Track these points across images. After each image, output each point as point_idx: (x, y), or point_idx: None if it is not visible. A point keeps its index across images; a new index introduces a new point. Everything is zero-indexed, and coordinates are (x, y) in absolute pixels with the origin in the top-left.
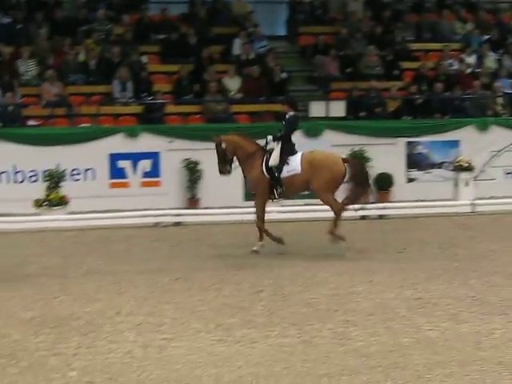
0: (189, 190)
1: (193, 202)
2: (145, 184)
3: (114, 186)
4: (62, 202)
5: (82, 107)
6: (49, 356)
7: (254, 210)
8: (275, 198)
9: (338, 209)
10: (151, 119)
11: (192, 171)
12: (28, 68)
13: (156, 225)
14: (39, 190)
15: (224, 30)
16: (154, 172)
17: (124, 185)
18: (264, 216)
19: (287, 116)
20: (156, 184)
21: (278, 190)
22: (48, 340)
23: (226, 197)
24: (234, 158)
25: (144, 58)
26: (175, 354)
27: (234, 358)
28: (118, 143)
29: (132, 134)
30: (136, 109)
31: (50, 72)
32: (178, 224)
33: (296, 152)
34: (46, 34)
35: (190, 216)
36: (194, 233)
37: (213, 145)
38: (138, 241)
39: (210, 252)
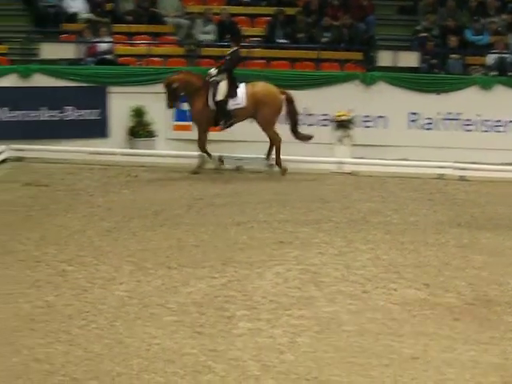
0: None
1: None
2: None
3: None
4: None
5: None
6: None
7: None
8: (223, 128)
9: (278, 141)
10: None
11: None
12: None
13: None
14: None
15: None
16: None
17: None
18: (206, 140)
19: (230, 50)
20: None
21: (227, 122)
22: None
23: None
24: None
25: None
26: None
27: None
28: None
29: None
30: None
31: None
32: None
33: (238, 85)
34: None
35: None
36: None
37: None
38: None
39: None
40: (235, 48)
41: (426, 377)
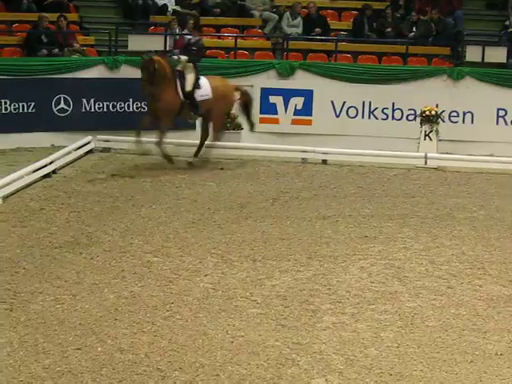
0: None
1: None
2: None
3: None
4: None
5: None
6: None
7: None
8: (191, 119)
9: (220, 136)
10: None
11: None
12: None
13: None
14: None
15: None
16: None
17: None
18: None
19: (193, 40)
20: None
21: (196, 112)
22: None
23: None
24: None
25: None
26: None
27: None
28: None
29: None
30: None
31: None
32: None
33: (200, 77)
34: None
35: None
36: None
37: None
38: None
39: None
40: (198, 38)
41: (511, 374)
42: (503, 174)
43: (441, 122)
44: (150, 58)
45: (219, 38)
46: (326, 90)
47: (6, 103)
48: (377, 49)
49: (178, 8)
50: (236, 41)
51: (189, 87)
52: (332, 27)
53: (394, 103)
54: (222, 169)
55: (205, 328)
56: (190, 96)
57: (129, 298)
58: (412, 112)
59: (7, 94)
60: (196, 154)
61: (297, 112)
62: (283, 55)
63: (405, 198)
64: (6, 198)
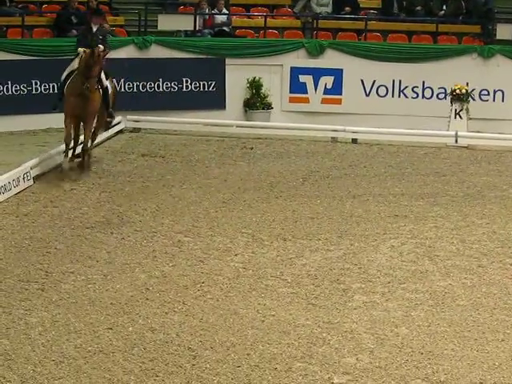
0: None
1: None
2: None
3: None
4: None
5: None
6: None
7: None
8: (110, 119)
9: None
10: None
11: None
12: None
13: None
14: None
15: None
16: None
17: None
18: None
19: (95, 29)
20: None
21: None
22: None
23: None
24: None
25: None
26: None
27: None
28: None
29: None
30: None
31: None
32: None
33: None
34: None
35: None
36: None
37: None
38: None
39: None
40: (98, 25)
41: None
42: None
43: (471, 100)
44: (91, 51)
45: (249, 17)
46: (356, 69)
47: (36, 84)
48: (406, 27)
49: None
50: (266, 20)
51: (106, 83)
52: (362, 6)
53: (424, 82)
54: (252, 148)
55: (236, 307)
56: (106, 94)
57: (160, 278)
58: (442, 90)
59: (37, 75)
60: (92, 141)
61: (327, 91)
62: (313, 34)
63: (435, 176)
64: (37, 178)
